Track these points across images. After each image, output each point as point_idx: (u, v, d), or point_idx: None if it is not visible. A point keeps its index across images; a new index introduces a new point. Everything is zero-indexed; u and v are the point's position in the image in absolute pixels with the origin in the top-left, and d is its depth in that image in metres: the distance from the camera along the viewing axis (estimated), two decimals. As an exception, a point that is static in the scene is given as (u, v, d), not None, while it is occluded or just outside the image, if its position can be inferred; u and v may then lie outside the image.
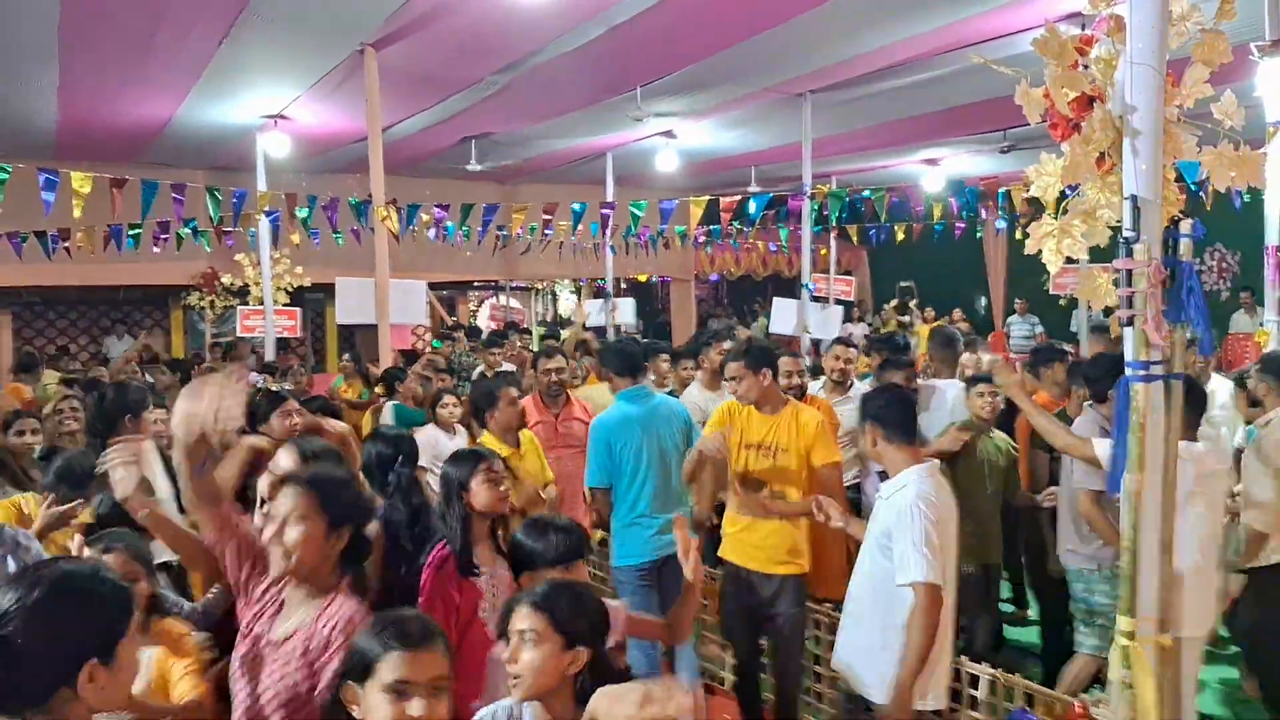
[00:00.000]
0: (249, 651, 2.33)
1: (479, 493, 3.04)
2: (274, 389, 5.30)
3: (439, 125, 10.18)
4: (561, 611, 2.08)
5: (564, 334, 14.82)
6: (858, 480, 5.56)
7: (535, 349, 12.40)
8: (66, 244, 9.11)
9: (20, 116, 9.39)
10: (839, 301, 10.89)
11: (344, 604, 2.29)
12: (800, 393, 5.03)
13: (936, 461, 3.43)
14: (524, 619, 2.07)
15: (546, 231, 11.73)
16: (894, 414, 3.28)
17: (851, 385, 5.71)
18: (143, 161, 11.30)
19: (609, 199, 11.17)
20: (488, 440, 4.65)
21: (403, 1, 6.46)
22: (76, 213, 7.64)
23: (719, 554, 4.22)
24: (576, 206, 10.43)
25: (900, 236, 12.11)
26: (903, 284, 17.76)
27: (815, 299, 9.75)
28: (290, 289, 10.52)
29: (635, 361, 4.71)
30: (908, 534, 3.05)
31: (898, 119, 10.48)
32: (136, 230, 9.07)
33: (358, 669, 1.87)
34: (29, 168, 7.32)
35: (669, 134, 10.71)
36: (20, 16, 6.58)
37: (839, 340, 6.06)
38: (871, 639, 3.22)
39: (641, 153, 11.57)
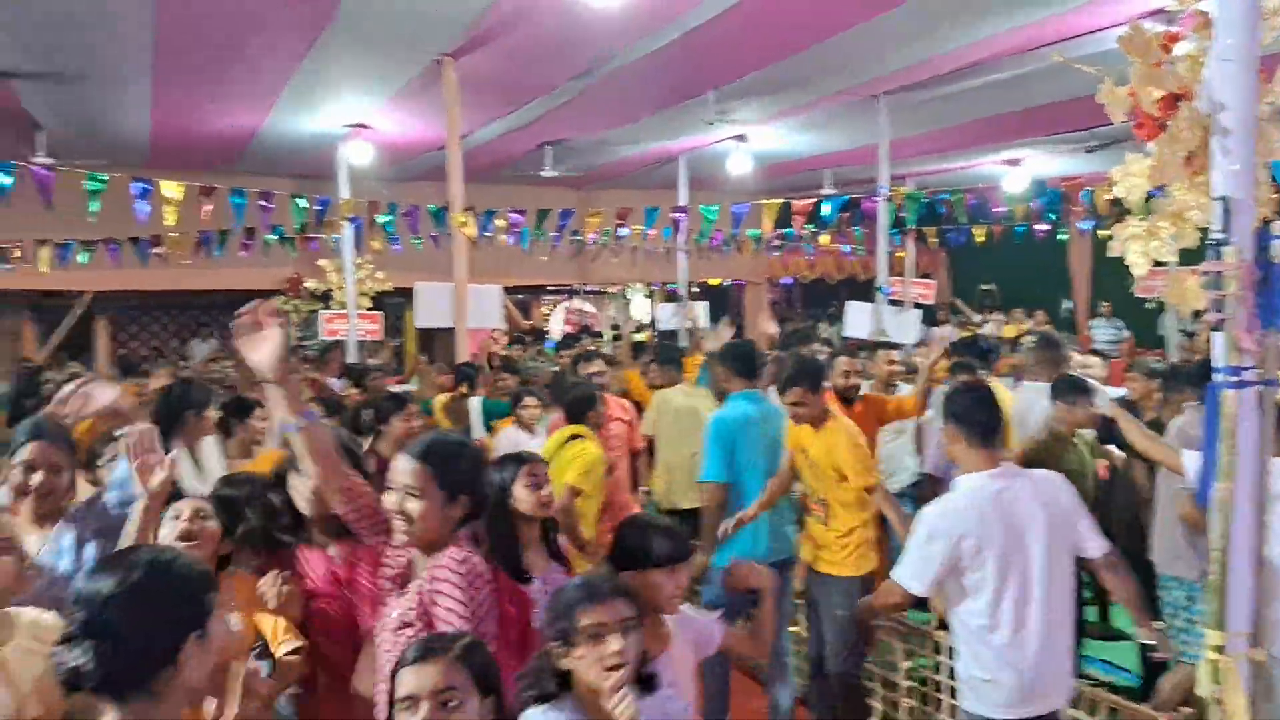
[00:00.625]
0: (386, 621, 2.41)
1: (521, 496, 3.04)
2: (398, 391, 5.46)
3: (515, 132, 10.33)
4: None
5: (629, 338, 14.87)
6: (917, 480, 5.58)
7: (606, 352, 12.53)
8: (159, 250, 9.49)
9: (116, 128, 9.82)
10: (918, 305, 10.72)
11: (451, 549, 2.35)
12: (855, 391, 5.11)
13: (1010, 465, 3.33)
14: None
15: (620, 235, 11.82)
16: (976, 415, 3.22)
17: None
18: (231, 171, 11.71)
19: (682, 203, 11.20)
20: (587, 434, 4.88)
21: (480, 12, 6.57)
22: (169, 220, 7.95)
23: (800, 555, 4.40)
24: (649, 211, 10.49)
25: (981, 239, 11.89)
26: (984, 286, 17.40)
27: (891, 303, 9.63)
28: (372, 294, 10.78)
29: (753, 364, 4.76)
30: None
31: (977, 119, 10.29)
32: (225, 237, 9.39)
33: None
34: (124, 177, 7.65)
35: (741, 138, 10.69)
36: (118, 33, 6.88)
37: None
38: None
39: (714, 156, 11.57)
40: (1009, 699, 3.08)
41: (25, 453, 2.88)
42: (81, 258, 9.77)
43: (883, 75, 8.51)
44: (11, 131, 9.37)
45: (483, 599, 2.34)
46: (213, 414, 4.61)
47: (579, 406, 5.00)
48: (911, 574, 3.15)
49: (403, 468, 2.38)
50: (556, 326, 17.40)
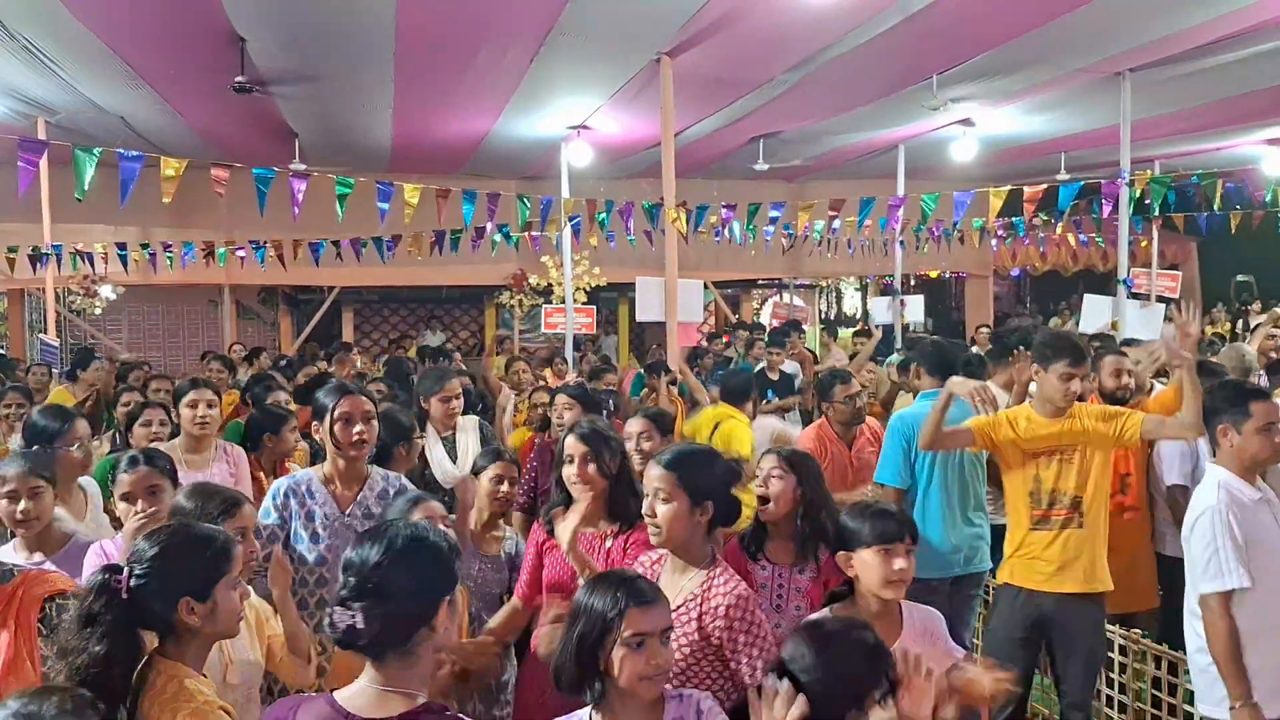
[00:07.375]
0: None
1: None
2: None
3: (729, 127, 10.33)
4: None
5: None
6: None
7: (813, 348, 12.30)
8: (399, 248, 10.19)
9: (362, 136, 10.63)
10: (1161, 299, 9.87)
11: (732, 580, 2.41)
12: (1128, 393, 4.71)
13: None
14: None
15: (834, 227, 11.55)
16: None
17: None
18: (463, 173, 12.42)
19: (899, 193, 10.82)
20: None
21: (697, 9, 6.60)
22: (407, 220, 8.51)
23: (999, 578, 3.84)
24: (864, 202, 10.18)
25: (1236, 226, 10.80)
26: (1239, 279, 15.83)
27: (1133, 295, 8.90)
28: (588, 288, 11.11)
29: (949, 363, 4.54)
30: None
31: (1232, 96, 9.34)
32: (457, 235, 9.94)
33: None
34: (369, 181, 8.18)
35: (967, 122, 10.19)
36: (362, 50, 7.44)
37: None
38: None
39: (936, 143, 11.10)
40: None
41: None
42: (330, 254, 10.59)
43: (1126, 52, 7.87)
44: (274, 140, 10.35)
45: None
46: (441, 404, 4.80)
47: (744, 392, 5.56)
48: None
49: (652, 476, 2.49)
50: (764, 321, 17.30)
